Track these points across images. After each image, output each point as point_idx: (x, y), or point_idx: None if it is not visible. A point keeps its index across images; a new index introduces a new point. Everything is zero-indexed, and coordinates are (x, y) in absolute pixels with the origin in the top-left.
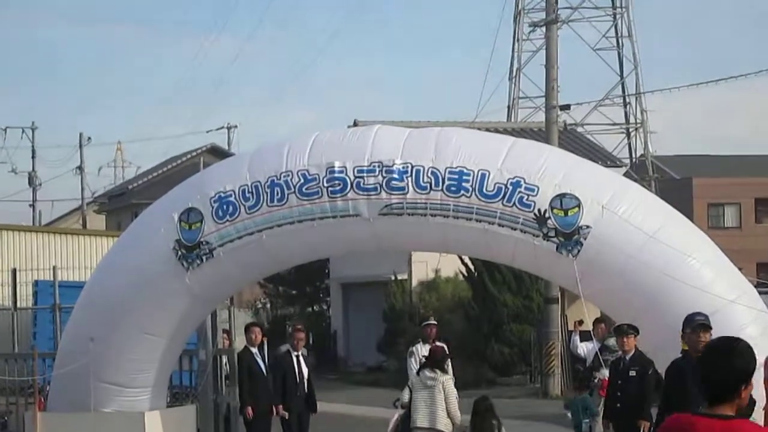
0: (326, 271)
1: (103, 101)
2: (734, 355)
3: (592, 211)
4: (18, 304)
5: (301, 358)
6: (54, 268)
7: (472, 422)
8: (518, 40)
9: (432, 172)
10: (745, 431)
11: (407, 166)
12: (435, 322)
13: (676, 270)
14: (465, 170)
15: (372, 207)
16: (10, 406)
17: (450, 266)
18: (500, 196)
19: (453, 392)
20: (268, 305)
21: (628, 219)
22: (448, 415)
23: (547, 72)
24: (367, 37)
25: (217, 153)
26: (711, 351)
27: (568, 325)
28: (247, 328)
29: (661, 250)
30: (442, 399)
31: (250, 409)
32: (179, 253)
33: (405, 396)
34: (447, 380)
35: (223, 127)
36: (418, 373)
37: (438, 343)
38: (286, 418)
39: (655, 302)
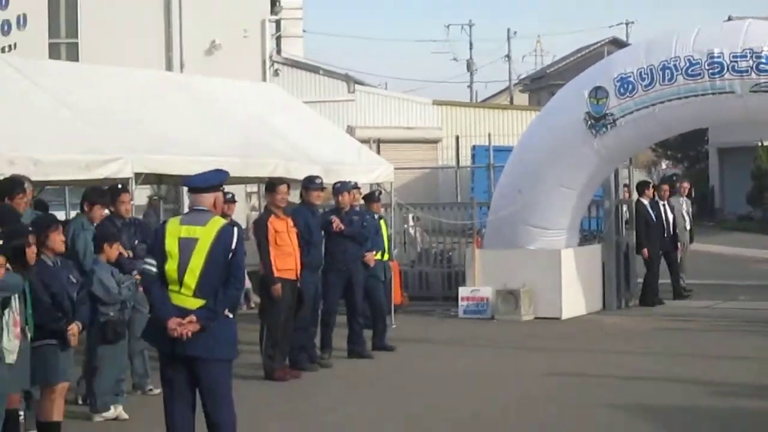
0: (705, 138)
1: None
2: None
3: None
4: (460, 164)
5: (666, 208)
6: (489, 135)
7: None
8: None
9: None
10: None
11: None
12: None
13: None
14: None
15: (744, 86)
16: (453, 244)
17: None
18: None
19: None
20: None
21: None
22: None
23: None
24: None
25: (617, 44)
26: None
27: None
28: (640, 185)
29: None
30: None
31: (646, 251)
32: (588, 123)
33: None
34: None
35: (622, 23)
36: None
37: None
38: (645, 257)
39: None
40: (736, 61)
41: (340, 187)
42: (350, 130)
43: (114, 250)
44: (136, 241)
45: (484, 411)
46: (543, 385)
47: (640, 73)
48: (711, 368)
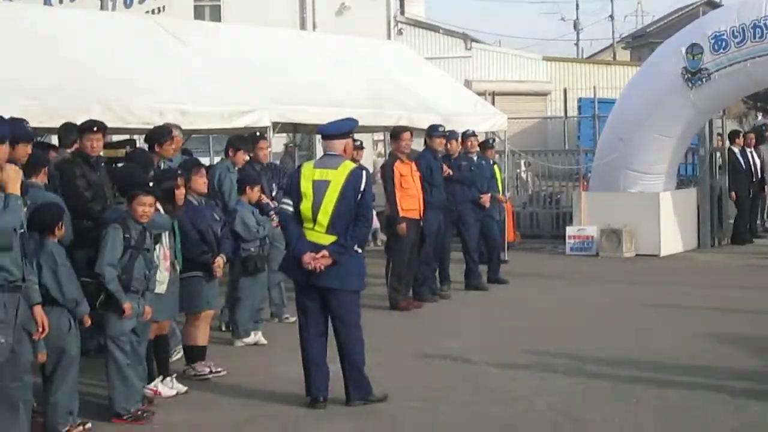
0: None
1: None
2: None
3: None
4: (567, 115)
5: (753, 154)
6: (594, 88)
7: None
8: None
9: None
10: None
11: None
12: None
13: None
14: None
15: None
16: (561, 187)
17: None
18: None
19: None
20: (757, 116)
21: None
22: None
23: None
24: None
25: (712, 5)
26: None
27: None
28: (732, 134)
29: None
30: None
31: (734, 194)
32: (685, 77)
33: None
34: None
35: None
36: None
37: None
38: (733, 198)
39: None
40: None
41: (449, 135)
42: (467, 84)
43: (255, 193)
44: (274, 185)
45: (588, 337)
46: (642, 315)
47: (733, 31)
48: None
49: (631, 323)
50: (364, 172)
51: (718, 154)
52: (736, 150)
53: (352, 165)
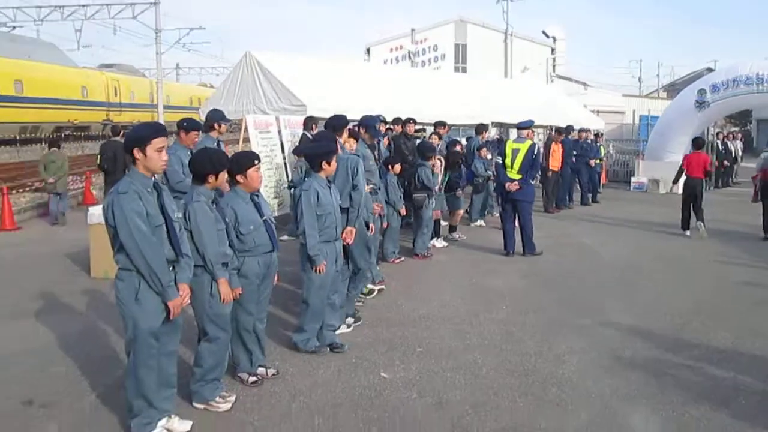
0: (751, 114)
1: (667, 49)
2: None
3: None
4: (634, 123)
5: (729, 144)
6: (648, 110)
7: None
8: None
9: None
10: (697, 155)
11: None
12: None
13: None
14: None
15: None
16: (629, 157)
17: None
18: None
19: None
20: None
21: None
22: None
23: None
24: None
25: (710, 70)
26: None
27: None
28: (717, 134)
29: None
30: None
31: (717, 162)
32: (696, 105)
33: None
34: None
35: (712, 60)
36: None
37: None
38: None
39: None
40: None
41: (572, 130)
42: (585, 107)
43: (485, 153)
44: (496, 153)
45: (639, 225)
46: (668, 215)
47: (722, 82)
48: (743, 216)
49: (664, 219)
50: (536, 146)
51: (711, 144)
52: (717, 142)
53: (530, 142)
